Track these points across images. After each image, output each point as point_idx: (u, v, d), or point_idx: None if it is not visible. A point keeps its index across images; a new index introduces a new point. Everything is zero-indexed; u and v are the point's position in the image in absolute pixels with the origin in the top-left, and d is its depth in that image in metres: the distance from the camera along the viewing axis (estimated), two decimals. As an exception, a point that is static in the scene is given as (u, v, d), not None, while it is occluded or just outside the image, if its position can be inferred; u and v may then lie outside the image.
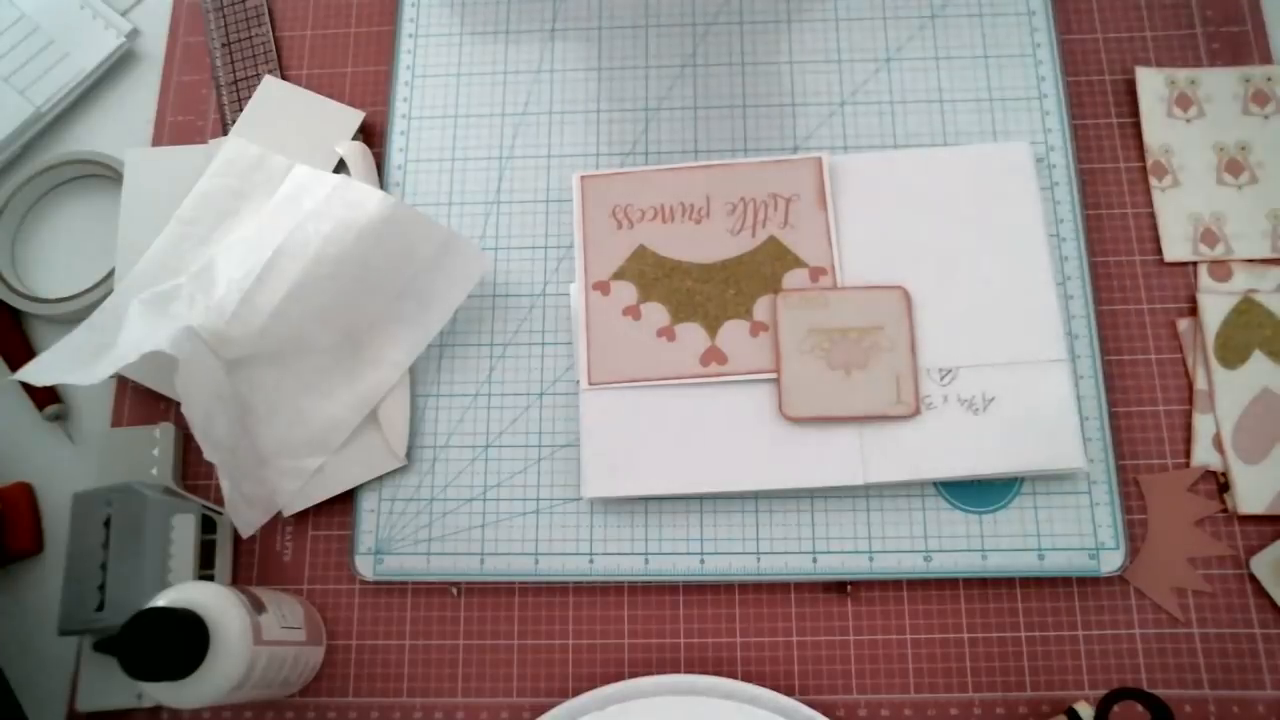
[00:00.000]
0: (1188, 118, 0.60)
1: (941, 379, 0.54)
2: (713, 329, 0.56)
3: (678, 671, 0.53)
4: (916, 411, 0.53)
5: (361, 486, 0.57)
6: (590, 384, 0.55)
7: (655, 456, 0.54)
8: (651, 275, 0.57)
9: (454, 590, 0.55)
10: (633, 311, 0.56)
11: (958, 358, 0.54)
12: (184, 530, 0.53)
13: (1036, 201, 0.56)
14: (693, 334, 0.56)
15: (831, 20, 0.63)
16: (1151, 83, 0.61)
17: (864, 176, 0.58)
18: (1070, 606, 0.53)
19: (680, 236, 0.57)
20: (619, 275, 0.57)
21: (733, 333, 0.56)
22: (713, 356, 0.55)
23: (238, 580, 0.57)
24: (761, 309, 0.56)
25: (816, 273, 0.56)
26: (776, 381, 0.54)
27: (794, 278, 0.56)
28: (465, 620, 0.55)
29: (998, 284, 0.55)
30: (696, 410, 0.55)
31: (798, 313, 0.55)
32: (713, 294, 0.56)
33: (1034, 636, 0.53)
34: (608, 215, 0.58)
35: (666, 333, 0.56)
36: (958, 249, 0.56)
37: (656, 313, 0.56)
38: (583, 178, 0.59)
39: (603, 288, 0.57)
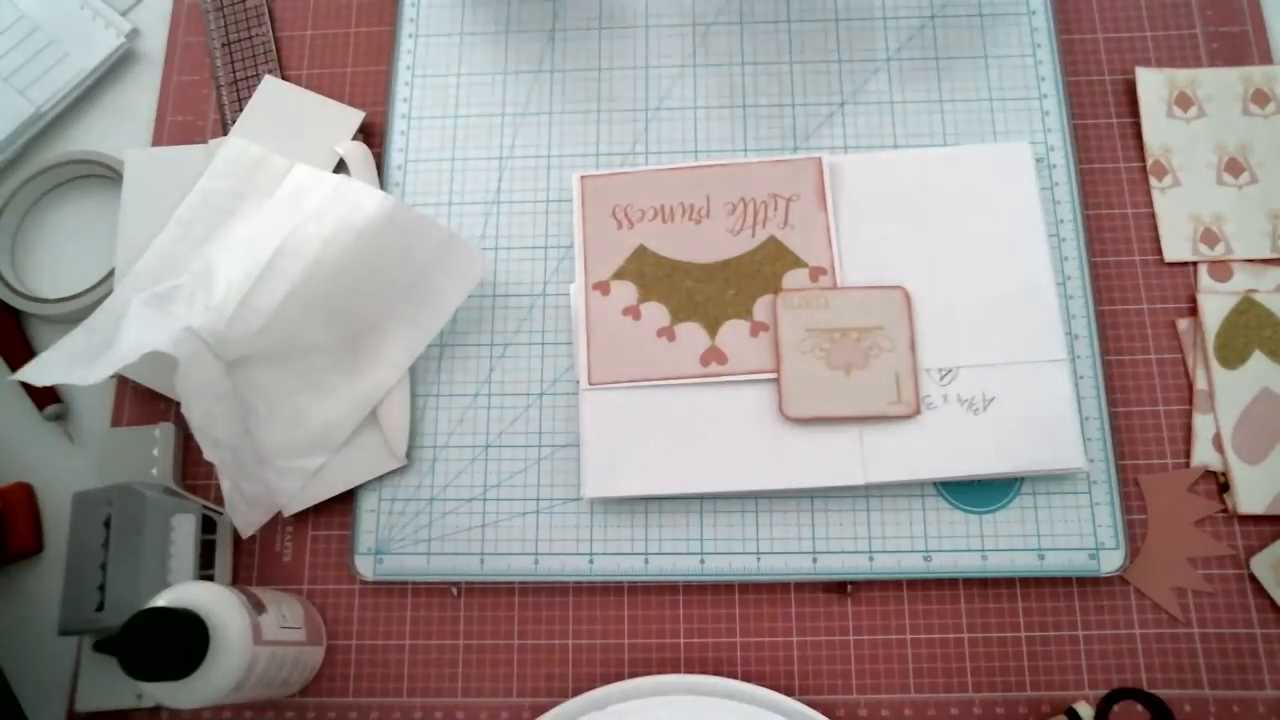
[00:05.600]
0: (1188, 118, 0.60)
1: (941, 379, 0.54)
2: (713, 329, 0.56)
3: (678, 671, 0.53)
4: (916, 411, 0.53)
5: (361, 486, 0.57)
6: (590, 384, 0.55)
7: (655, 456, 0.54)
8: (651, 275, 0.57)
9: (454, 590, 0.55)
10: (633, 311, 0.56)
11: (958, 358, 0.54)
12: (184, 530, 0.53)
13: (1036, 201, 0.56)
14: (693, 334, 0.56)
15: (831, 20, 0.63)
16: (1151, 83, 0.61)
17: (864, 176, 0.58)
18: (1070, 606, 0.53)
19: (680, 236, 0.57)
20: (619, 275, 0.57)
21: (733, 333, 0.55)
22: (713, 356, 0.55)
23: (238, 580, 0.57)
24: (761, 309, 0.56)
25: (816, 273, 0.56)
26: (776, 381, 0.54)
27: (794, 278, 0.56)
28: (465, 620, 0.55)
29: (998, 284, 0.55)
30: (696, 410, 0.55)
31: (797, 313, 0.55)
32: (713, 294, 0.56)
33: (1034, 636, 0.53)
34: (608, 215, 0.58)
35: (666, 333, 0.56)
36: (958, 249, 0.56)
37: (656, 313, 0.56)
38: (583, 178, 0.59)
39: (603, 288, 0.57)
